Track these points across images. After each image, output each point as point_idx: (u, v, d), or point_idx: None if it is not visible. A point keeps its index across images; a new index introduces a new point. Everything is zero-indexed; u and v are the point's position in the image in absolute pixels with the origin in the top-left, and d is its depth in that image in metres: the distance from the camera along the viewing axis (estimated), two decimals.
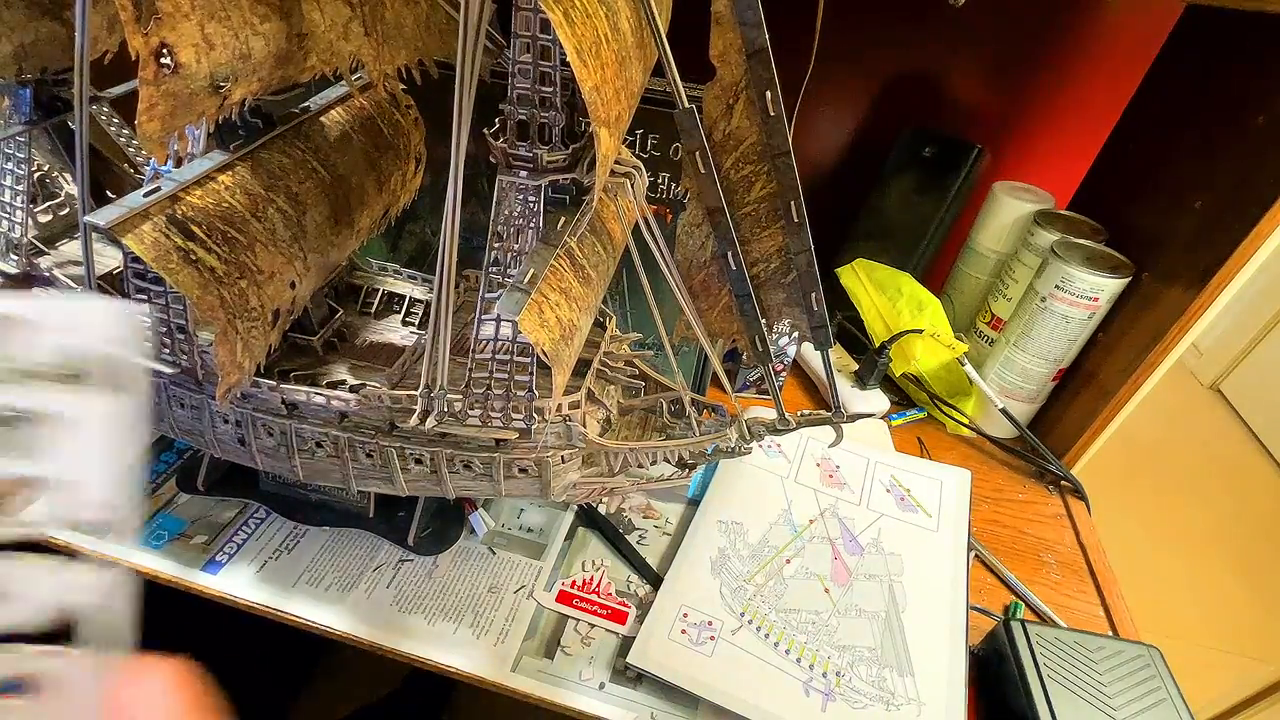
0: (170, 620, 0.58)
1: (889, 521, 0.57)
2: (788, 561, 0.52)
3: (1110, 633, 0.52)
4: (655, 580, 0.51)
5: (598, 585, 0.50)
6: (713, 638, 0.46)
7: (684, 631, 0.46)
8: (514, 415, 0.40)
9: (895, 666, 0.46)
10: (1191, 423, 1.57)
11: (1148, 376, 0.58)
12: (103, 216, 0.32)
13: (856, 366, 0.73)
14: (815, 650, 0.46)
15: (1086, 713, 0.41)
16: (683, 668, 0.44)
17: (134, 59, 0.27)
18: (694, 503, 0.57)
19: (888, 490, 0.60)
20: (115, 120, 0.47)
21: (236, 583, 0.48)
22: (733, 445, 0.46)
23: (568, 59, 0.26)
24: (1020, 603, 0.53)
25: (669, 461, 0.48)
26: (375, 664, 0.92)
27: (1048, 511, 0.63)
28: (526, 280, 0.33)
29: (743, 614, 0.48)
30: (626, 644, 0.46)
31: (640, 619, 0.48)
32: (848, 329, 0.75)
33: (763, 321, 0.41)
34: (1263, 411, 1.54)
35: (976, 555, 0.57)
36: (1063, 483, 0.65)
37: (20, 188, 0.43)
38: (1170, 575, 1.21)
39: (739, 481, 0.59)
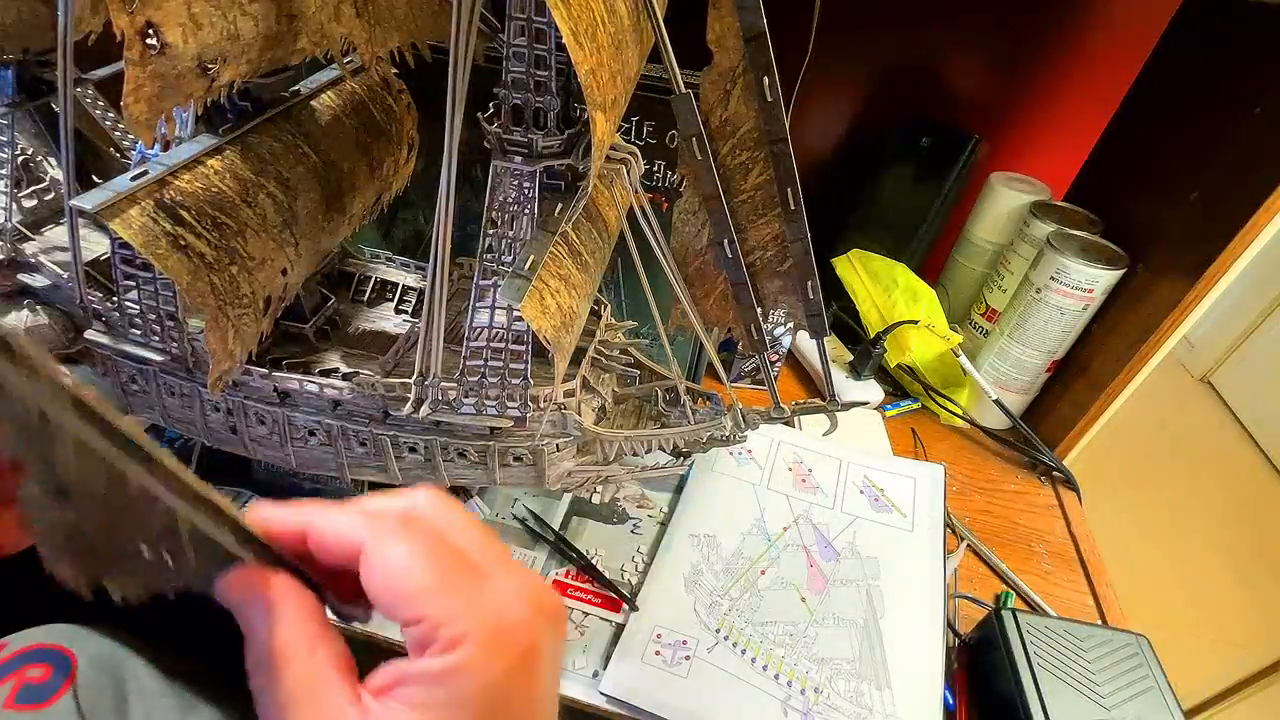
0: (162, 611, 0.57)
1: (863, 524, 0.56)
2: (763, 572, 0.51)
3: (1100, 621, 0.53)
4: (629, 599, 0.51)
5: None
6: (688, 657, 0.45)
7: (658, 653, 0.45)
8: (509, 403, 0.40)
9: (873, 679, 0.45)
10: (1182, 415, 1.58)
11: (1140, 368, 0.58)
12: (89, 201, 0.32)
13: (851, 357, 0.73)
14: (793, 665, 0.45)
15: (1075, 700, 0.42)
16: (658, 692, 0.43)
17: (119, 39, 0.26)
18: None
19: (861, 492, 0.59)
20: (101, 103, 0.46)
21: None
22: (727, 434, 0.46)
23: (563, 42, 0.26)
24: (1011, 592, 0.54)
25: (664, 450, 0.48)
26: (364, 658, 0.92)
27: (1039, 502, 0.63)
28: (527, 267, 0.32)
29: (718, 630, 0.47)
30: (619, 631, 0.46)
31: (634, 608, 0.48)
32: (843, 320, 0.75)
33: (758, 310, 0.40)
34: (1253, 404, 1.55)
35: (968, 545, 0.57)
36: (1054, 473, 0.65)
37: (3, 171, 0.42)
38: (1159, 565, 1.23)
39: (710, 492, 0.57)
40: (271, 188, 0.38)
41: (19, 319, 0.44)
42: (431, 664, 0.18)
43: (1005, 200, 0.69)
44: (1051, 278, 0.60)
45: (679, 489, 0.58)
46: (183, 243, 0.34)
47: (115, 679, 0.46)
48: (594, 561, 0.51)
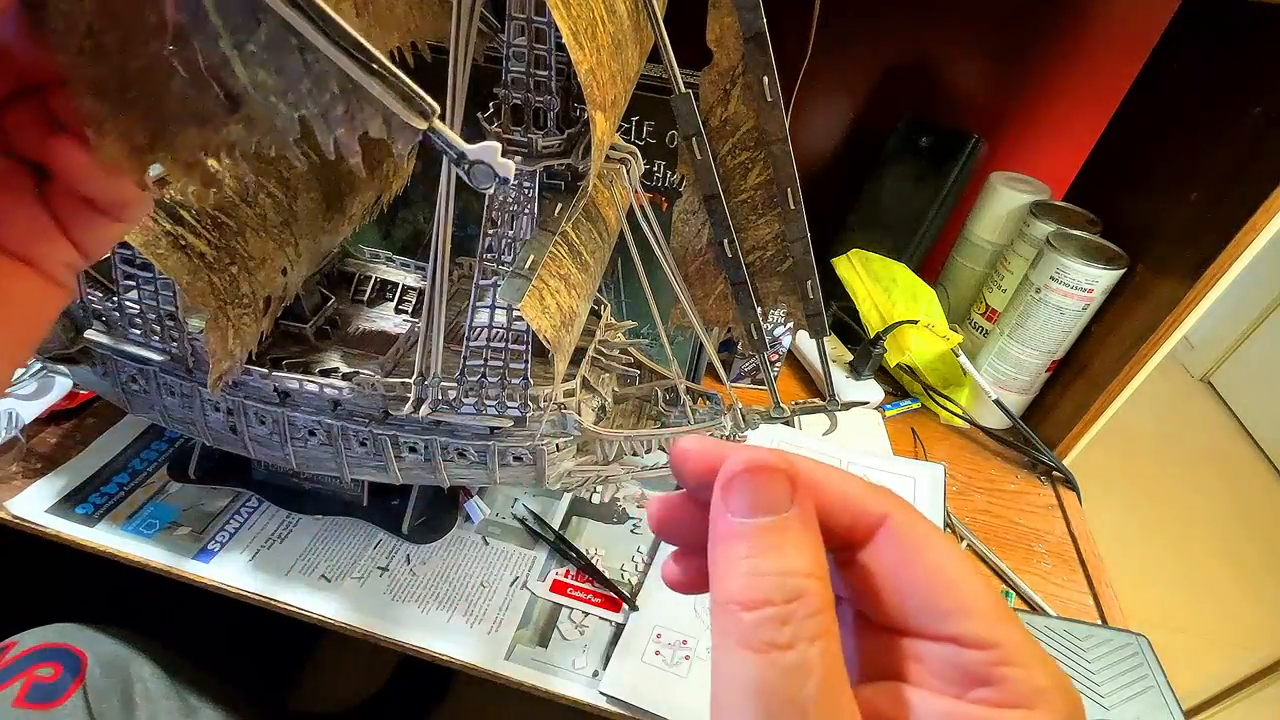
0: (160, 612, 0.57)
1: None
2: None
3: (1100, 621, 0.53)
4: (628, 599, 0.51)
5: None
6: (688, 657, 0.45)
7: (658, 653, 0.45)
8: (509, 403, 0.40)
9: None
10: (1182, 415, 1.59)
11: (1140, 368, 0.58)
12: None
13: (851, 357, 0.73)
14: None
15: None
16: (658, 692, 0.43)
17: None
18: None
19: None
20: None
21: (229, 571, 0.48)
22: (727, 434, 0.46)
23: (563, 42, 0.26)
24: (1011, 592, 0.54)
25: (664, 450, 0.48)
26: (361, 662, 0.92)
27: (1039, 502, 0.63)
28: (527, 266, 0.32)
29: None
30: (620, 631, 0.46)
31: (634, 608, 0.48)
32: (843, 320, 0.75)
33: (758, 310, 0.40)
34: (1252, 404, 1.56)
35: (968, 545, 0.57)
36: (1054, 473, 0.65)
37: None
38: (1159, 565, 1.23)
39: None
40: (271, 187, 0.38)
41: None
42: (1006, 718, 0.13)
43: (1005, 200, 0.69)
44: (1051, 278, 0.60)
45: (679, 489, 0.57)
46: (183, 242, 0.34)
47: (123, 679, 0.47)
48: (594, 561, 0.51)
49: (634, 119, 0.54)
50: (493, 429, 0.41)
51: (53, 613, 0.48)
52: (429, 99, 0.14)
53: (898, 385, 0.74)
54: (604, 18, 0.27)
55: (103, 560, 0.48)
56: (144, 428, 0.57)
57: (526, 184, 0.34)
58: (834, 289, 0.70)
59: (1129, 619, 0.52)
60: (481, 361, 0.38)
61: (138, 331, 0.41)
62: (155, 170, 0.16)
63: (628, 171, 0.36)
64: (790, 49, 0.36)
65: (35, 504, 0.49)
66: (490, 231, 0.35)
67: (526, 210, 0.35)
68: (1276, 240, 0.49)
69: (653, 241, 0.37)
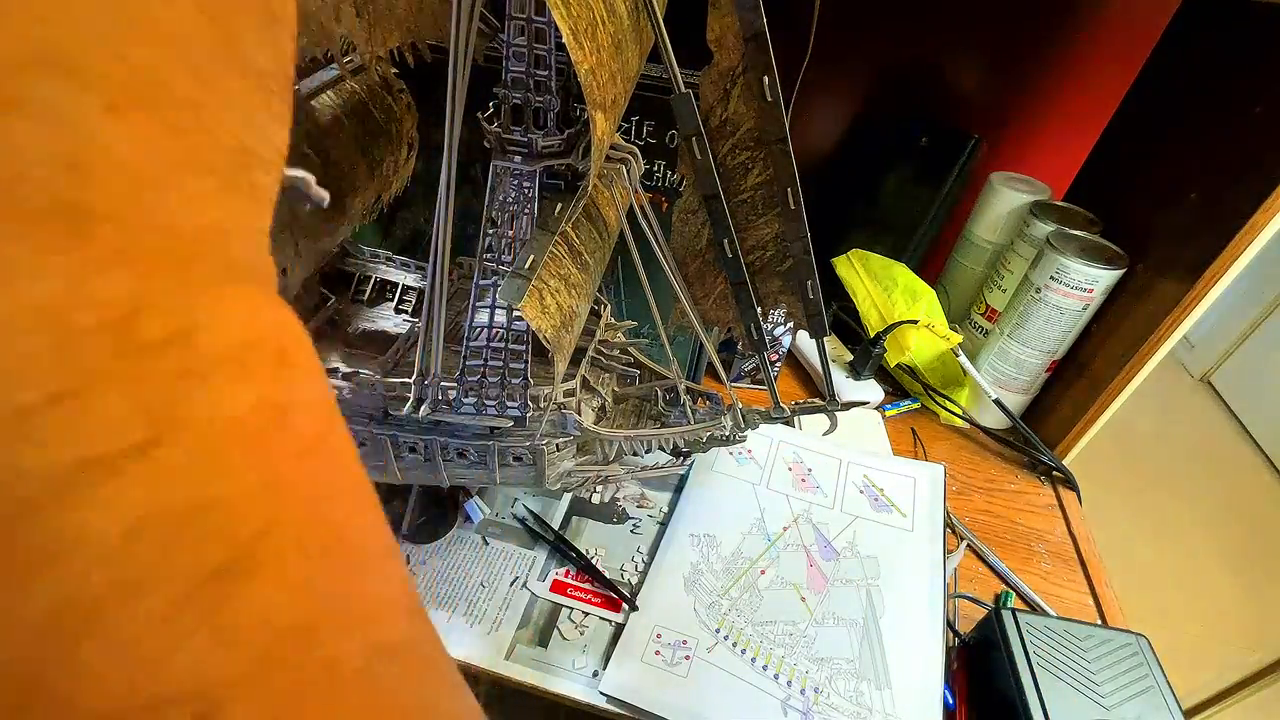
0: None
1: (863, 523, 0.55)
2: (762, 572, 0.51)
3: (1099, 621, 0.53)
4: (628, 599, 0.51)
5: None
6: (688, 657, 0.45)
7: (658, 653, 0.45)
8: (508, 403, 0.40)
9: (873, 679, 0.45)
10: (1181, 415, 1.59)
11: (1140, 368, 0.58)
12: None
13: (851, 357, 0.73)
14: (793, 665, 0.45)
15: (1075, 699, 0.42)
16: (657, 692, 0.43)
17: None
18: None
19: (861, 491, 0.58)
20: None
21: None
22: (727, 433, 0.46)
23: (563, 42, 0.26)
24: (1011, 592, 0.54)
25: (664, 449, 0.48)
26: None
27: (1039, 502, 0.63)
28: (527, 266, 0.32)
29: (718, 630, 0.47)
30: (620, 631, 0.47)
31: (634, 608, 0.48)
32: (843, 319, 0.75)
33: (758, 309, 0.40)
34: (1251, 404, 1.56)
35: (968, 545, 0.57)
36: (1054, 473, 0.65)
37: None
38: (1159, 564, 1.23)
39: (710, 492, 0.57)
40: None
41: None
42: None
43: (1005, 200, 0.69)
44: (1051, 277, 0.60)
45: (679, 489, 0.58)
46: None
47: None
48: (594, 561, 0.51)
49: (634, 119, 0.54)
50: (493, 429, 0.41)
51: None
52: None
53: (898, 385, 0.74)
54: (604, 18, 0.27)
55: None
56: None
57: (526, 184, 0.34)
58: (834, 289, 0.70)
59: (1129, 619, 0.52)
60: (481, 361, 0.38)
61: None
62: None
63: (628, 171, 0.36)
64: (790, 49, 0.36)
65: None
66: (490, 231, 0.35)
67: (526, 210, 0.35)
68: (1276, 240, 0.49)
69: (653, 241, 0.37)
